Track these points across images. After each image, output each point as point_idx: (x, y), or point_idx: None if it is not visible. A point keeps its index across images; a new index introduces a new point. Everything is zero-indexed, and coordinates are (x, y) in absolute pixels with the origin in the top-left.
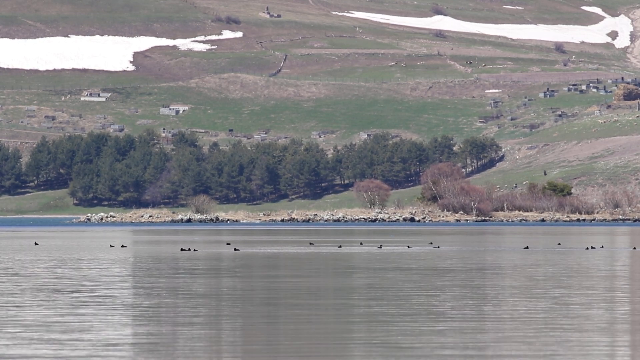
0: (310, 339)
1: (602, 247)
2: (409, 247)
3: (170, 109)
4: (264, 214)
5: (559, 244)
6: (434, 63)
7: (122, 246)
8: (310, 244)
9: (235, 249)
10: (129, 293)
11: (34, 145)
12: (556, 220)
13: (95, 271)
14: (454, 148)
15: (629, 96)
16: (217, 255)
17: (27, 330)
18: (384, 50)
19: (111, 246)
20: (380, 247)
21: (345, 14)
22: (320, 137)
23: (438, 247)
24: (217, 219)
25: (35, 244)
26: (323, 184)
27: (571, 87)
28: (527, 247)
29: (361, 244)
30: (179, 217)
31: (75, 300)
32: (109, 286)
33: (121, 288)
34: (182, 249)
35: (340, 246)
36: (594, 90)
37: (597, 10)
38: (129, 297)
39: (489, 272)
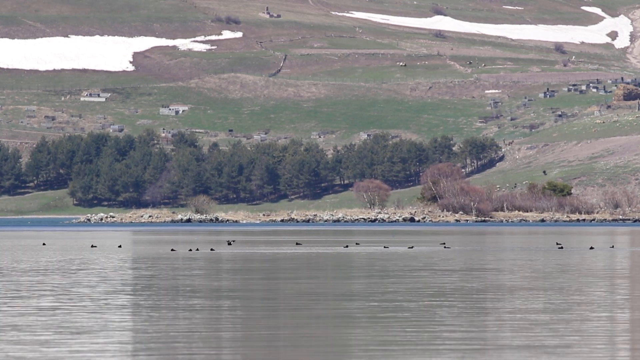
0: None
1: (612, 247)
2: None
3: (170, 109)
4: (264, 214)
5: (558, 244)
6: (434, 63)
7: (119, 246)
8: (297, 244)
9: (211, 249)
10: (111, 292)
11: (34, 146)
12: (556, 221)
13: (87, 273)
14: (454, 148)
15: (628, 96)
16: (199, 256)
17: (19, 332)
18: (384, 51)
19: (93, 246)
20: (412, 248)
21: (345, 14)
22: (320, 137)
23: (448, 247)
24: (217, 219)
25: (43, 244)
26: (323, 184)
27: (571, 87)
28: (561, 247)
29: (357, 244)
30: (179, 217)
31: (68, 302)
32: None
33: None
34: (172, 249)
35: (346, 246)
36: (594, 90)
37: (597, 10)
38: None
39: (567, 273)
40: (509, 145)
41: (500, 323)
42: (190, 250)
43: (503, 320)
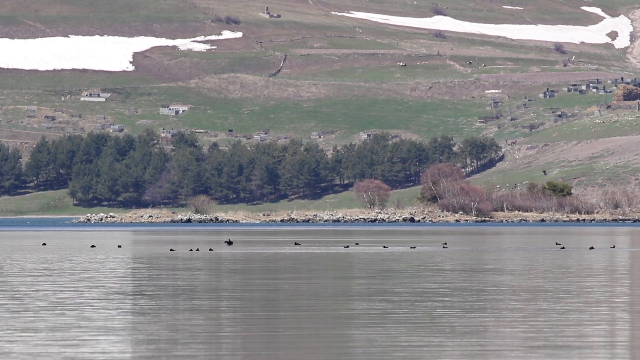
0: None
1: (613, 247)
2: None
3: (170, 109)
4: (264, 214)
5: (558, 244)
6: (434, 63)
7: (119, 246)
8: (295, 244)
9: (210, 249)
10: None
11: (34, 146)
12: (556, 221)
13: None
14: (454, 148)
15: (628, 96)
16: (198, 256)
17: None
18: (384, 51)
19: (92, 246)
20: (414, 248)
21: (345, 14)
22: (320, 137)
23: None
24: (217, 219)
25: (44, 244)
26: (323, 184)
27: (571, 87)
28: (563, 248)
29: (357, 244)
30: (179, 217)
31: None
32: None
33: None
34: (171, 249)
35: (347, 246)
36: (594, 90)
37: (597, 10)
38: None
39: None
40: (512, 145)
41: (501, 324)
42: (191, 250)
43: (504, 321)
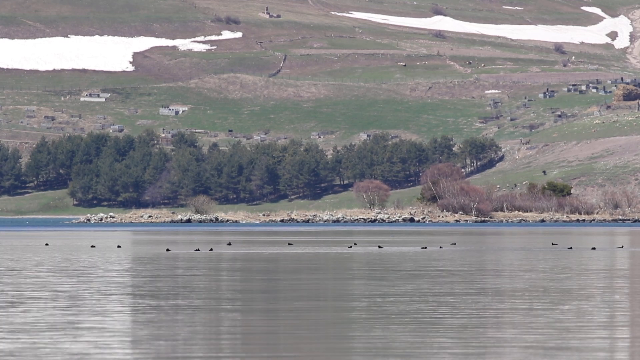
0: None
1: (622, 247)
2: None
3: (169, 109)
4: (264, 215)
5: (554, 244)
6: (434, 63)
7: (118, 246)
8: (289, 244)
9: (210, 249)
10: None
11: (34, 146)
12: (556, 221)
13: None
14: (454, 148)
15: (628, 96)
16: (198, 256)
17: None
18: (383, 51)
19: (92, 247)
20: (425, 248)
21: (344, 14)
22: (319, 137)
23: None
24: (217, 219)
25: (46, 244)
26: (322, 185)
27: (571, 87)
28: (570, 248)
29: (355, 244)
30: (179, 217)
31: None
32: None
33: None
34: (167, 249)
35: (350, 246)
36: (594, 90)
37: (596, 10)
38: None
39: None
40: (525, 144)
41: (502, 324)
42: (196, 250)
43: (505, 321)
